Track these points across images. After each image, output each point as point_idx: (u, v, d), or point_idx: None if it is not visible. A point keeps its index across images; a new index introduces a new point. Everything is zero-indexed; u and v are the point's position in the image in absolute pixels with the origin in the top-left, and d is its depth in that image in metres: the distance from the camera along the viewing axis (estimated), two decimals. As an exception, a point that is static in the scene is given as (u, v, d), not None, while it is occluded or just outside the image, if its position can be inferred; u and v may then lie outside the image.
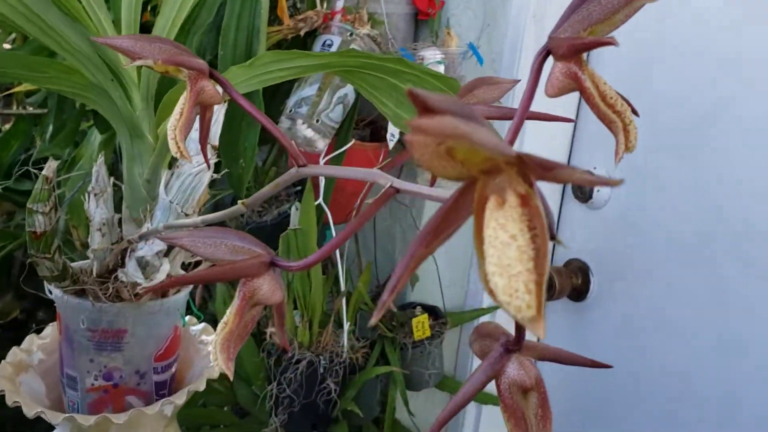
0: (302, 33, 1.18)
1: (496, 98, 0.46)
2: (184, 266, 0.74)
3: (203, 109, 0.45)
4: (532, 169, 0.23)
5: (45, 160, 1.41)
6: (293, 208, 1.18)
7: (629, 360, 1.31)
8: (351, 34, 1.17)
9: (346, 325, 1.22)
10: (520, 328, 0.35)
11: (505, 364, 0.35)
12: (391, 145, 1.22)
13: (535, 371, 0.36)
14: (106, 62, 0.60)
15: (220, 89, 0.45)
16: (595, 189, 1.31)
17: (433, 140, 0.21)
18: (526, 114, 0.33)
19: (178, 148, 0.41)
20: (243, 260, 0.36)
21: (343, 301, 1.22)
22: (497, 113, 0.44)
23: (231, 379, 0.36)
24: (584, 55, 0.34)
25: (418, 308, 1.37)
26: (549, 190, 1.40)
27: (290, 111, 1.12)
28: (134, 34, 0.66)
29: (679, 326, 1.23)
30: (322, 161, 1.18)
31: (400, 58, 0.67)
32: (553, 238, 0.32)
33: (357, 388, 1.21)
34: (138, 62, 0.43)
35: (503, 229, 0.22)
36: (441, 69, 1.20)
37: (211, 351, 0.36)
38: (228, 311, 0.36)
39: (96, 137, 1.27)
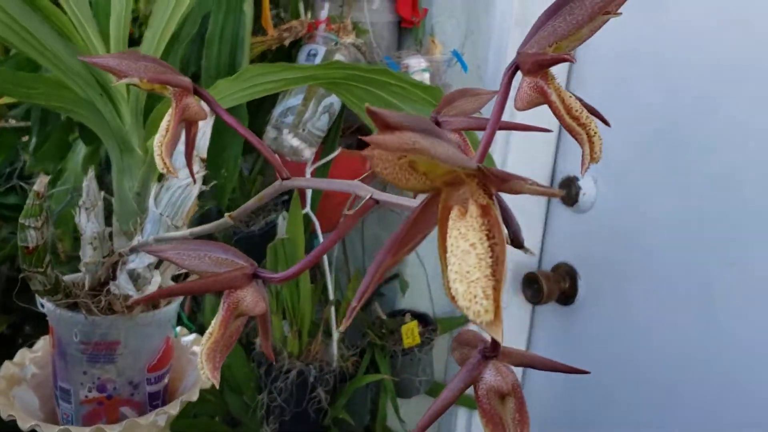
0: (287, 43, 1.19)
1: (476, 109, 0.47)
2: (175, 278, 0.75)
3: (188, 124, 0.46)
4: (491, 180, 0.24)
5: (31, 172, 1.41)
6: (281, 218, 1.19)
7: (618, 363, 1.33)
8: (336, 44, 1.18)
9: (336, 334, 1.23)
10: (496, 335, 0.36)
11: (482, 371, 0.36)
12: (378, 153, 1.24)
13: (512, 377, 0.37)
14: (95, 77, 0.61)
15: (205, 105, 0.46)
16: (581, 193, 1.33)
17: (393, 155, 0.22)
18: (498, 125, 0.34)
19: (165, 164, 0.43)
20: (226, 272, 0.38)
21: (332, 309, 1.23)
22: (476, 124, 0.46)
23: (217, 387, 0.37)
24: (551, 69, 0.35)
25: (408, 315, 1.38)
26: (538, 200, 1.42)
27: (276, 121, 1.14)
28: (122, 49, 0.67)
29: (667, 328, 1.24)
30: (309, 170, 1.19)
31: (385, 69, 0.68)
32: (520, 246, 0.34)
33: (347, 396, 1.22)
34: (124, 80, 0.44)
35: (464, 238, 0.24)
36: (426, 77, 1.22)
37: (198, 362, 0.37)
38: (213, 322, 0.38)
39: (81, 150, 1.28)
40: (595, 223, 1.35)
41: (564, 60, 0.30)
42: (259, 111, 1.21)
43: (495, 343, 0.36)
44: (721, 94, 1.14)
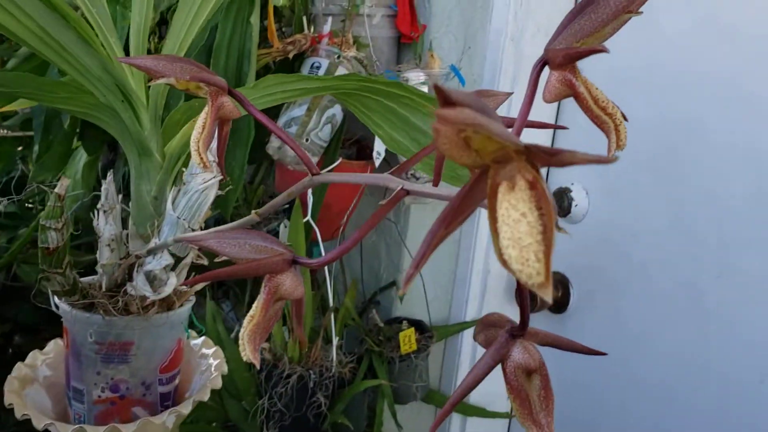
0: (291, 56, 1.22)
1: (492, 109, 0.50)
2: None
3: (221, 123, 0.49)
4: (538, 156, 0.27)
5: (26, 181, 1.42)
6: (282, 226, 1.21)
7: (609, 370, 1.35)
8: (338, 57, 1.21)
9: (335, 340, 1.24)
10: (524, 315, 0.39)
11: (510, 349, 0.38)
12: (377, 163, 1.26)
13: (538, 355, 0.39)
14: (117, 84, 0.63)
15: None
16: (573, 204, 1.36)
17: (454, 129, 0.24)
18: (527, 118, 0.37)
19: (201, 158, 0.45)
20: (268, 258, 0.40)
21: (332, 316, 1.25)
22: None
23: (258, 367, 0.39)
24: (577, 63, 0.38)
25: (405, 323, 1.40)
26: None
27: (280, 132, 1.16)
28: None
29: (656, 336, 1.27)
30: (310, 180, 1.21)
31: (398, 82, 0.70)
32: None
33: (346, 401, 1.24)
34: (161, 80, 0.46)
35: (515, 209, 0.26)
36: (425, 90, 1.25)
37: (239, 344, 0.39)
38: (254, 306, 0.40)
39: (81, 159, 1.29)
40: (587, 234, 1.38)
41: (596, 51, 0.33)
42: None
43: (523, 323, 0.39)
44: (710, 110, 1.18)
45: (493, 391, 1.50)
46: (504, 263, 0.26)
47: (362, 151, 1.39)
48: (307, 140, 1.14)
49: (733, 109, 1.15)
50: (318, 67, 1.18)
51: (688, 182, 1.21)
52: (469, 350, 1.48)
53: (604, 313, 1.36)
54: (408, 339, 1.33)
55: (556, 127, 0.42)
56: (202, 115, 0.46)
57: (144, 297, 0.71)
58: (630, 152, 1.30)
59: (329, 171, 1.23)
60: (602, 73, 1.31)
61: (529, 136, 0.36)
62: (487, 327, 0.42)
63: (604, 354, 0.43)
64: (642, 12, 0.36)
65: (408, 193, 0.42)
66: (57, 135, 1.28)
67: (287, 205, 1.33)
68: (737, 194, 1.15)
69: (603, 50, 0.32)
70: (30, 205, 1.51)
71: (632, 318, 1.31)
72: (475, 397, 1.47)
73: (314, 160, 1.17)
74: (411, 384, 1.35)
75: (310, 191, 1.23)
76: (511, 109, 1.28)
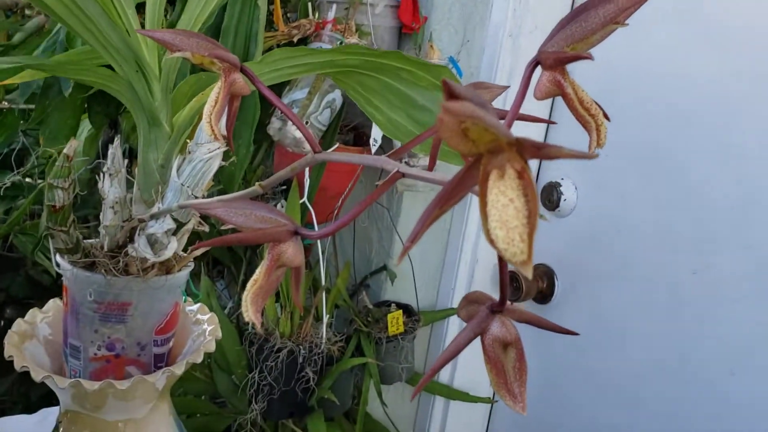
0: (295, 39, 1.24)
1: (488, 101, 0.53)
2: (185, 247, 0.79)
3: (231, 99, 0.51)
4: (527, 149, 0.30)
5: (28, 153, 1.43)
6: (279, 206, 1.24)
7: (591, 359, 1.39)
8: (341, 43, 1.23)
9: (326, 317, 1.27)
10: (503, 293, 0.42)
11: (489, 323, 0.41)
12: (373, 149, 1.29)
13: (514, 330, 0.42)
14: (133, 55, 0.66)
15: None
16: (562, 198, 1.39)
17: (456, 120, 0.27)
18: (518, 112, 0.40)
19: (212, 130, 0.47)
20: (272, 227, 0.43)
21: (323, 295, 1.28)
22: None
23: (259, 328, 0.42)
24: (566, 66, 0.41)
25: (393, 305, 1.44)
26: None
27: (281, 113, 1.18)
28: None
29: (638, 328, 1.31)
30: (308, 161, 1.24)
31: (397, 52, 0.72)
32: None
33: (333, 377, 1.27)
34: (178, 54, 0.49)
35: (503, 194, 0.29)
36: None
37: (242, 305, 0.42)
38: (258, 270, 0.43)
39: (83, 134, 1.31)
40: (573, 228, 1.41)
41: (582, 58, 0.36)
42: (263, 103, 1.26)
43: (502, 300, 0.42)
44: (694, 110, 1.21)
45: (476, 379, 1.54)
46: (491, 242, 0.29)
47: (359, 138, 1.42)
48: (306, 123, 1.17)
49: (714, 108, 1.19)
50: (321, 52, 1.20)
51: (671, 180, 1.25)
52: (454, 336, 1.52)
53: (586, 304, 1.39)
54: (396, 320, 1.36)
55: (546, 121, 0.44)
56: (215, 89, 0.48)
57: (144, 259, 0.73)
58: (618, 149, 1.34)
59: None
60: (591, 69, 1.34)
61: (523, 131, 0.39)
62: (470, 303, 0.45)
63: (576, 334, 0.46)
64: (628, 24, 0.39)
65: (404, 175, 0.44)
66: (54, 100, 1.30)
67: (284, 186, 1.36)
68: (717, 195, 1.18)
69: (588, 57, 0.35)
70: (29, 179, 1.53)
71: (612, 310, 1.35)
72: (459, 383, 1.51)
73: (314, 142, 1.20)
74: (397, 365, 1.39)
75: (307, 173, 1.25)
76: (506, 102, 1.32)
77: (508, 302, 0.42)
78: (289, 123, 1.18)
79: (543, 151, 0.29)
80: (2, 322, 1.68)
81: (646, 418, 1.30)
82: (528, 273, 0.29)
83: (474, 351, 0.42)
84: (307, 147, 1.20)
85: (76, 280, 0.76)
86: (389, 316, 1.36)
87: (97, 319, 0.76)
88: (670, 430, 1.27)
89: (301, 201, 1.23)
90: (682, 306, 1.23)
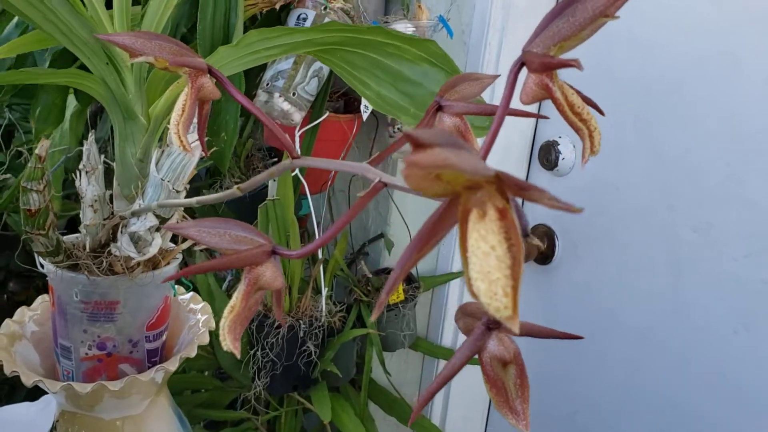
0: (277, 6, 1.20)
1: (477, 94, 0.50)
2: (173, 239, 0.77)
3: (201, 103, 0.48)
4: (508, 186, 0.27)
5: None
6: (270, 180, 1.21)
7: (592, 318, 1.38)
8: (325, 8, 1.19)
9: (324, 291, 1.26)
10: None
11: (486, 341, 0.39)
12: (364, 116, 1.26)
13: (513, 346, 0.40)
14: (102, 46, 0.63)
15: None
16: (560, 157, 1.36)
17: (426, 171, 0.25)
18: (503, 119, 0.37)
19: (181, 142, 0.44)
20: (247, 250, 0.40)
21: (321, 267, 1.26)
22: (477, 110, 0.48)
23: (238, 357, 0.40)
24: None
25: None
26: (516, 158, 1.45)
27: (267, 84, 1.15)
28: (126, 13, 0.68)
29: (638, 286, 1.29)
30: (297, 133, 1.21)
31: (380, 27, 0.69)
32: (526, 236, 0.37)
33: (335, 349, 1.26)
34: (140, 59, 0.46)
35: (484, 240, 0.26)
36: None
37: (219, 334, 0.40)
38: (234, 296, 0.40)
39: (69, 109, 1.28)
40: (573, 187, 1.38)
41: (569, 65, 0.33)
42: (249, 75, 1.22)
43: (498, 316, 0.39)
44: (691, 72, 1.18)
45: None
46: (473, 294, 0.26)
47: (350, 104, 1.38)
48: (294, 94, 1.13)
49: (707, 78, 1.17)
50: (305, 18, 1.16)
51: (669, 138, 1.23)
52: (455, 299, 1.51)
53: (587, 263, 1.38)
54: (396, 289, 1.35)
55: (535, 116, 0.42)
56: (182, 96, 0.45)
57: (129, 257, 0.71)
58: (616, 109, 1.31)
59: (317, 125, 1.23)
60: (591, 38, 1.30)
61: (514, 104, 0.37)
62: (466, 315, 0.42)
63: (580, 338, 0.44)
64: (619, 17, 0.36)
65: (386, 185, 0.42)
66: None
67: (275, 159, 1.33)
68: (713, 154, 1.16)
69: (575, 66, 0.32)
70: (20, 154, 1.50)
71: (613, 268, 1.33)
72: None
73: (301, 114, 1.17)
74: (399, 333, 1.38)
75: (298, 145, 1.22)
76: (494, 95, 1.28)
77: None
78: (276, 95, 1.14)
79: (526, 192, 0.26)
80: (6, 297, 1.67)
81: (649, 380, 1.30)
82: (515, 328, 0.26)
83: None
84: (296, 119, 1.17)
85: (61, 281, 0.74)
86: (389, 285, 1.33)
87: (86, 319, 0.75)
88: (674, 391, 1.26)
89: (293, 174, 1.20)
90: (682, 263, 1.21)
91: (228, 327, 0.40)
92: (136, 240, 0.72)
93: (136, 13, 0.78)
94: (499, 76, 0.50)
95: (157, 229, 0.73)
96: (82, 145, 0.73)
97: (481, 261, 0.26)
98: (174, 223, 0.44)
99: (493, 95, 1.31)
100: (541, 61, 0.35)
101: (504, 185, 0.27)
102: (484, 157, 0.36)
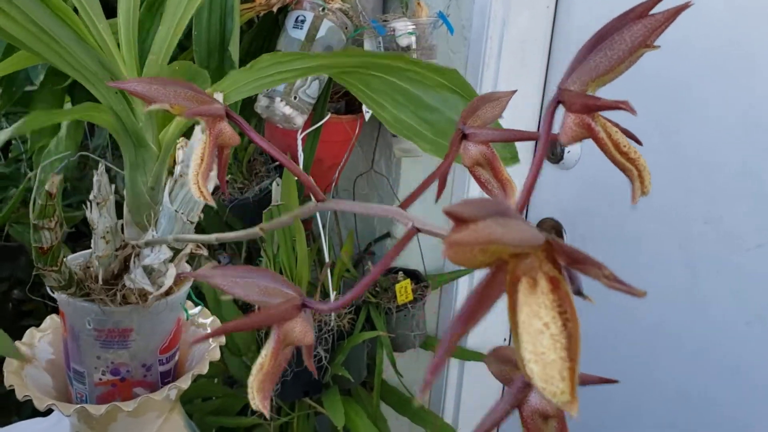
0: (275, 9, 1.18)
1: (498, 114, 0.48)
2: (189, 260, 0.76)
3: (220, 149, 0.47)
4: (560, 255, 0.26)
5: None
6: (274, 184, 1.20)
7: (604, 313, 1.37)
8: (323, 9, 1.17)
9: (332, 294, 1.25)
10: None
11: (528, 394, 0.38)
12: (367, 117, 1.25)
13: (555, 400, 0.39)
14: (110, 75, 0.61)
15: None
16: (566, 150, 1.35)
17: (470, 248, 0.23)
18: (540, 166, 0.36)
19: (202, 193, 0.43)
20: (276, 306, 0.39)
21: (328, 270, 1.25)
22: (501, 136, 0.47)
23: (268, 417, 0.39)
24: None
25: (400, 273, 1.41)
26: (521, 150, 1.44)
27: (268, 89, 1.13)
28: (133, 42, 0.67)
29: (649, 281, 1.28)
30: (300, 137, 1.20)
31: (400, 54, 0.68)
32: (579, 294, 0.35)
33: (345, 353, 1.26)
34: (155, 107, 0.45)
35: (536, 317, 0.25)
36: (413, 40, 1.22)
37: (248, 392, 0.39)
38: (262, 353, 0.39)
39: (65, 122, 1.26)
40: (580, 180, 1.37)
41: (620, 108, 0.31)
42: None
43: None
44: (701, 71, 1.18)
45: (490, 339, 1.52)
46: (527, 376, 0.25)
47: (351, 105, 1.36)
48: (295, 98, 1.12)
49: (714, 74, 1.16)
50: (303, 20, 1.14)
51: (681, 131, 1.21)
52: (464, 296, 1.50)
53: (597, 257, 1.37)
54: (404, 290, 1.34)
55: (555, 137, 0.40)
56: (200, 145, 0.44)
57: (143, 289, 0.70)
58: (625, 94, 1.29)
59: (319, 127, 1.21)
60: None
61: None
62: (501, 361, 0.41)
63: (615, 381, 0.43)
64: (659, 46, 0.34)
65: (419, 230, 0.41)
66: (20, 88, 1.24)
67: (278, 162, 1.31)
68: (727, 147, 1.15)
69: (626, 109, 0.30)
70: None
71: (624, 262, 1.32)
72: (472, 343, 1.49)
73: (303, 118, 1.15)
74: (409, 333, 1.37)
75: (300, 147, 1.21)
76: (497, 83, 1.26)
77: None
78: (277, 99, 1.13)
79: (582, 266, 0.25)
80: (10, 305, 1.67)
81: (664, 372, 1.29)
82: (573, 412, 0.25)
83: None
84: (297, 123, 1.15)
85: (74, 309, 0.73)
86: (397, 286, 1.33)
87: (99, 346, 0.74)
88: (688, 383, 1.26)
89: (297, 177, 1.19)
90: (695, 257, 1.21)
91: (257, 385, 0.39)
92: (149, 272, 0.71)
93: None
94: (516, 91, 0.49)
95: (171, 260, 0.71)
96: (80, 150, 0.71)
97: (534, 340, 0.25)
98: (197, 269, 0.43)
99: (496, 84, 1.30)
100: (584, 103, 0.34)
101: (555, 252, 0.26)
102: (523, 207, 0.35)
